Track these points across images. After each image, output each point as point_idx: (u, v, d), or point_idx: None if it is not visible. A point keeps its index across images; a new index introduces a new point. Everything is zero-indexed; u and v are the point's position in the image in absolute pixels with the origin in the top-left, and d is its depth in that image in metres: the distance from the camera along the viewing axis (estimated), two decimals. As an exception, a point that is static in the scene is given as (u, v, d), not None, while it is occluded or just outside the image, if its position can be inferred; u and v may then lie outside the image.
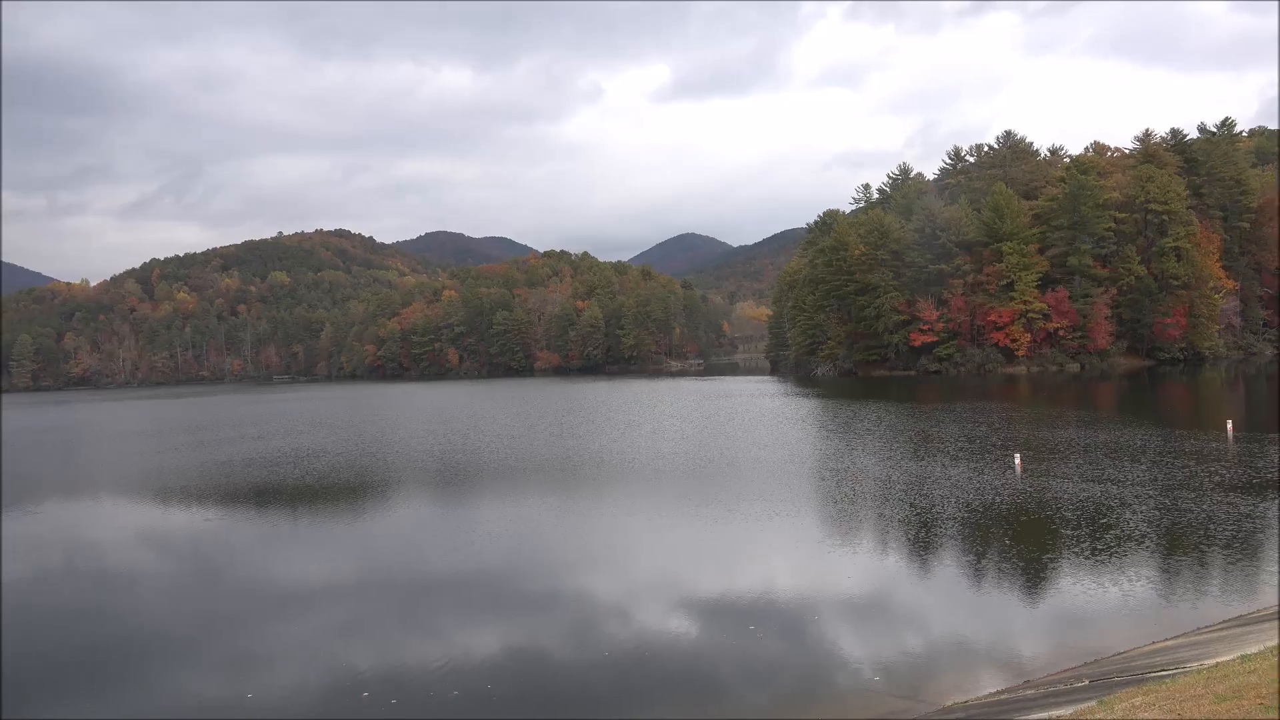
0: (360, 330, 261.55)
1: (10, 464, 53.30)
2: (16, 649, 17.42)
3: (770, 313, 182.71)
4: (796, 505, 28.23)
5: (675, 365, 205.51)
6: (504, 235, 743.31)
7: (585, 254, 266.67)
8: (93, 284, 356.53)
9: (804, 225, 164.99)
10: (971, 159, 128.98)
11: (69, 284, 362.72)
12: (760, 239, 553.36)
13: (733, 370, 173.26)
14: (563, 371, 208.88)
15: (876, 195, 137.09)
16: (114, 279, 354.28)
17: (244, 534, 28.96)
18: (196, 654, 16.83)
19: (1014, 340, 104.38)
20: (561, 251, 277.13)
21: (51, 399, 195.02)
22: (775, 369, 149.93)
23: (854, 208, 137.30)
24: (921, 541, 22.80)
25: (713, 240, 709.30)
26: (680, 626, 17.22)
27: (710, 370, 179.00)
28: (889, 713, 12.90)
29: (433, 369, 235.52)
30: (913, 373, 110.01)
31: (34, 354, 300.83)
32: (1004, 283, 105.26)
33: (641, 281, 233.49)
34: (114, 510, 35.50)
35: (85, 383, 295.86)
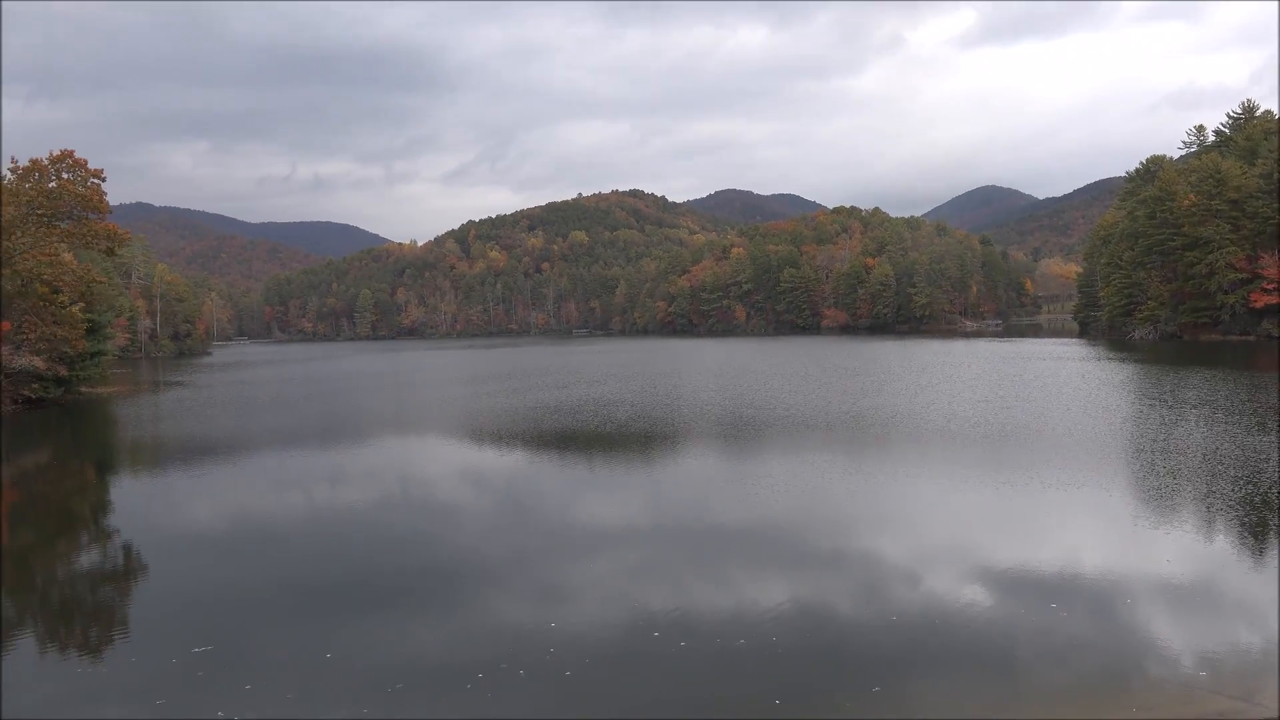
0: (652, 287, 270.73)
1: (355, 401, 60.63)
2: (360, 566, 19.91)
3: (1080, 270, 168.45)
4: (1109, 478, 26.07)
5: (970, 325, 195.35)
6: (792, 192, 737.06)
7: (876, 210, 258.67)
8: (419, 244, 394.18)
9: (1122, 174, 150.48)
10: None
11: (400, 244, 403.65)
12: (1069, 190, 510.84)
13: (1035, 332, 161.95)
14: (850, 330, 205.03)
15: (1212, 138, 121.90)
16: (437, 239, 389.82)
17: (548, 475, 31.16)
18: (508, 582, 18.40)
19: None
20: (851, 208, 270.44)
21: (386, 346, 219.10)
22: (1085, 331, 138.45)
23: (1184, 153, 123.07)
24: (1259, 527, 20.32)
25: (1015, 193, 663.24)
26: (973, 596, 16.53)
27: (1009, 331, 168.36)
28: (1218, 713, 11.68)
29: (720, 325, 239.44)
30: (1251, 338, 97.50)
31: (372, 306, 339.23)
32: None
33: (936, 237, 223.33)
34: (438, 447, 39.38)
35: (413, 333, 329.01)
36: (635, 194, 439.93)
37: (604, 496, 27.10)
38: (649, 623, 15.37)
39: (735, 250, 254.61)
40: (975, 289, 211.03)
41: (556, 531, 22.64)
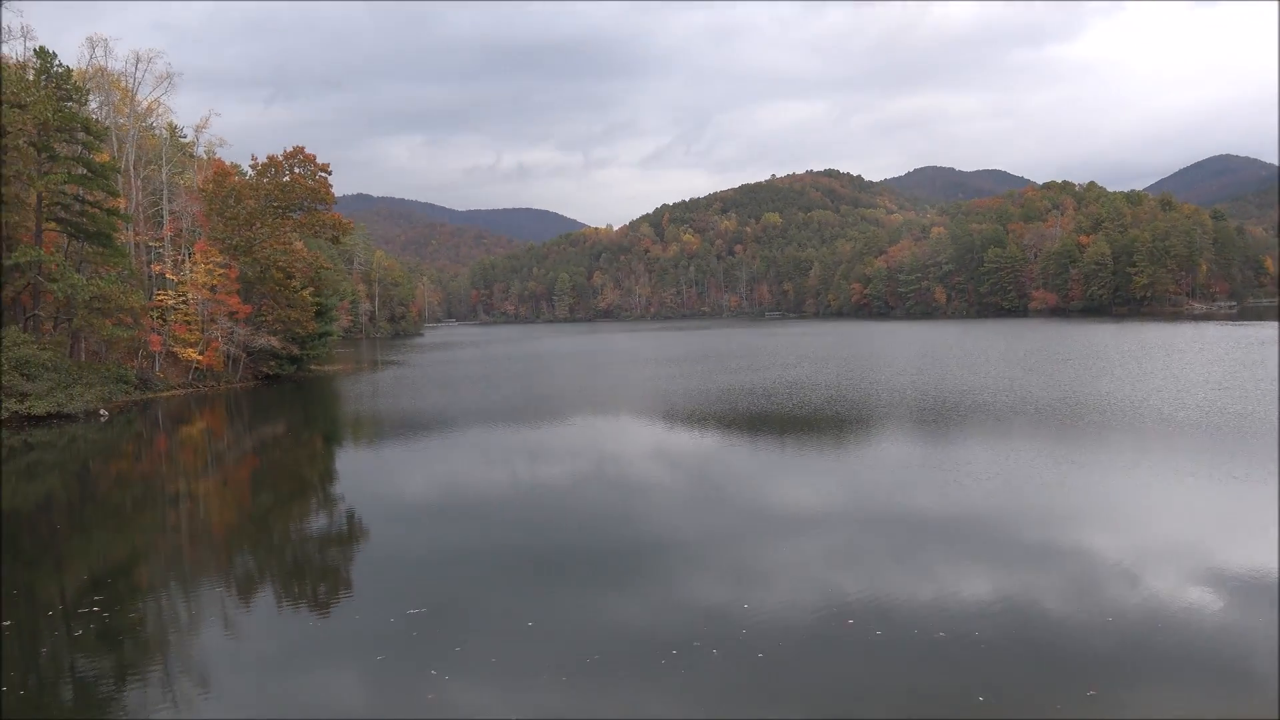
0: (847, 268, 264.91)
1: (555, 380, 62.85)
2: (559, 539, 20.64)
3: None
4: (1365, 477, 23.37)
5: (1199, 308, 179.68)
6: (998, 168, 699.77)
7: (1091, 184, 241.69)
8: (615, 228, 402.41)
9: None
10: None
11: (596, 229, 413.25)
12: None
13: (1275, 315, 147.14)
14: (1060, 312, 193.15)
15: None
16: (632, 224, 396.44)
17: (741, 456, 31.17)
18: (701, 561, 18.57)
19: None
20: (1063, 182, 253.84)
21: (583, 328, 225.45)
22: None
23: None
24: None
25: (1255, 162, 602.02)
26: (1201, 599, 15.26)
27: (1245, 314, 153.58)
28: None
29: (918, 307, 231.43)
30: None
31: (570, 289, 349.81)
32: None
33: (1159, 212, 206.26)
34: (633, 426, 40.19)
35: (608, 315, 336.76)
36: (830, 173, 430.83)
37: (797, 479, 26.85)
38: (844, 609, 15.12)
39: (935, 229, 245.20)
40: (1205, 268, 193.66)
41: (749, 513, 22.63)
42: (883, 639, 13.82)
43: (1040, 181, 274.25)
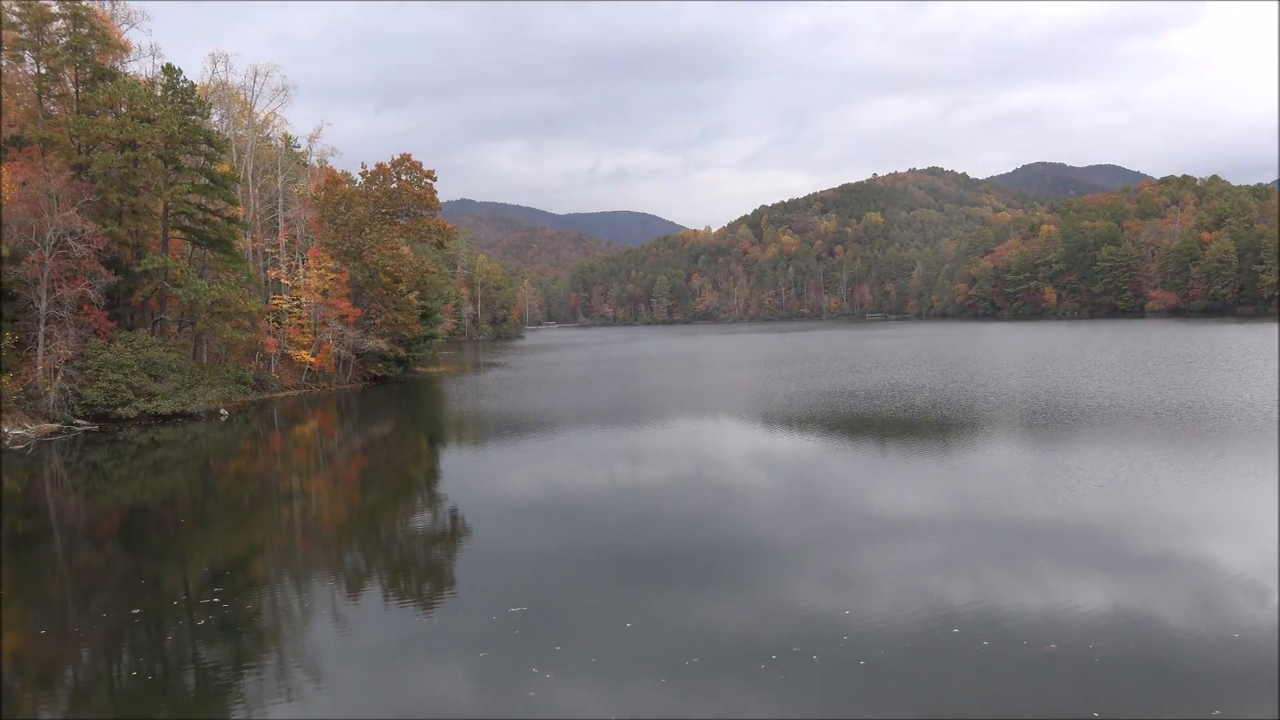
0: (951, 269, 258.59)
1: (653, 382, 63.04)
2: (658, 541, 20.68)
3: None
4: None
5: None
6: (1112, 163, 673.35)
7: (1214, 178, 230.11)
8: (713, 230, 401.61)
9: None
10: None
11: (695, 231, 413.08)
12: None
13: None
14: (1179, 312, 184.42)
15: None
16: (730, 225, 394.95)
17: (841, 460, 30.72)
18: (801, 565, 18.35)
19: None
20: (1183, 176, 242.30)
21: (681, 330, 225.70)
22: None
23: None
24: None
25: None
26: (1340, 618, 14.35)
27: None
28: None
29: (1027, 308, 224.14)
30: None
31: (668, 292, 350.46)
32: None
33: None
34: (731, 428, 40.01)
35: (706, 317, 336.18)
36: (934, 171, 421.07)
37: (900, 483, 26.30)
38: (949, 618, 14.74)
39: (1045, 227, 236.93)
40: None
41: (850, 517, 22.28)
42: (990, 650, 13.42)
43: (1158, 176, 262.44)
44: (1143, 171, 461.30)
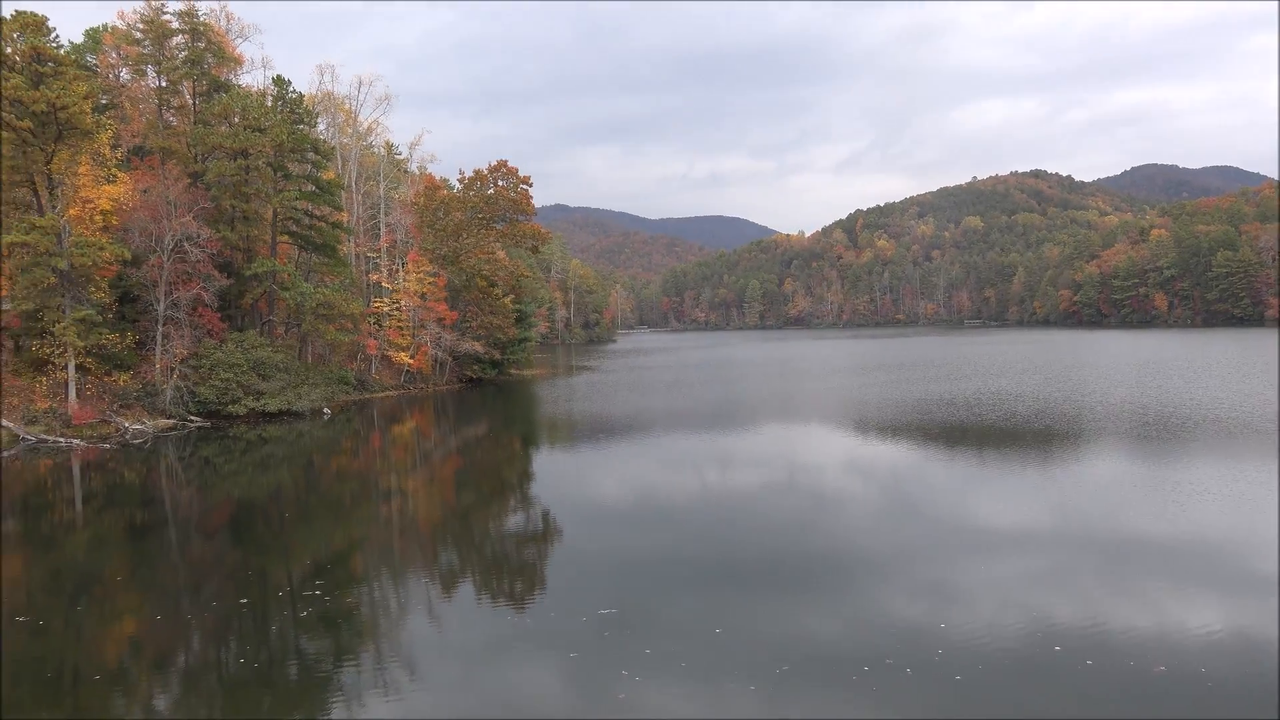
0: (1054, 274, 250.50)
1: (745, 387, 62.73)
2: (749, 547, 20.54)
3: None
4: None
5: None
6: (1230, 164, 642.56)
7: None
8: (807, 235, 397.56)
9: None
10: None
11: (788, 235, 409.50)
12: None
13: None
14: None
15: None
16: (824, 229, 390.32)
17: (938, 469, 30.02)
18: (895, 576, 18.00)
19: None
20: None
21: (773, 335, 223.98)
22: None
23: None
24: None
25: None
26: None
27: None
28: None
29: (1135, 315, 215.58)
30: None
31: (761, 297, 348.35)
32: None
33: None
34: (824, 435, 39.51)
35: (799, 322, 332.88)
36: (1037, 174, 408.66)
37: (999, 495, 25.58)
38: (1050, 635, 14.27)
39: (1155, 231, 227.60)
40: None
41: (947, 528, 21.76)
42: (1094, 669, 12.95)
43: (1278, 178, 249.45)
44: (1263, 173, 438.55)
